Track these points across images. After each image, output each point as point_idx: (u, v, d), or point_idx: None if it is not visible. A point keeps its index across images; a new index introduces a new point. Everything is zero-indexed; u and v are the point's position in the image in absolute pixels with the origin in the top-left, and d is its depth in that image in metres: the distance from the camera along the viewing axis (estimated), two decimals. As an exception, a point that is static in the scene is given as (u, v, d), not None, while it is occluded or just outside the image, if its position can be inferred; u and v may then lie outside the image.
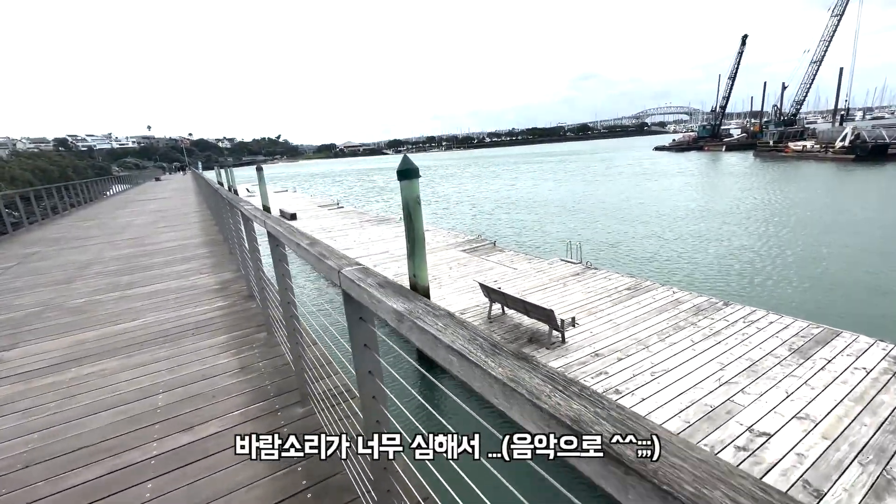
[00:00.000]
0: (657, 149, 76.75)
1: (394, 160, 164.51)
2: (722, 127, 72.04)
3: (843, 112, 58.52)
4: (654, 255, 14.09)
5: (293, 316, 2.41)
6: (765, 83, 58.00)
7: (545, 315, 6.81)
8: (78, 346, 3.56)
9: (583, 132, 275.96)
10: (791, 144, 43.07)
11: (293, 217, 23.03)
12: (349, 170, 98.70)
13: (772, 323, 7.30)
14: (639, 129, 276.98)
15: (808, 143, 41.02)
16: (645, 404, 5.38)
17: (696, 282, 11.27)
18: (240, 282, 5.09)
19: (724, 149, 61.56)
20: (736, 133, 74.48)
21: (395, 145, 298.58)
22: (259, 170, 22.46)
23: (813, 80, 55.45)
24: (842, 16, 50.92)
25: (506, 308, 8.26)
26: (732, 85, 63.99)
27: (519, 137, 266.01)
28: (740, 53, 61.47)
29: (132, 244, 8.28)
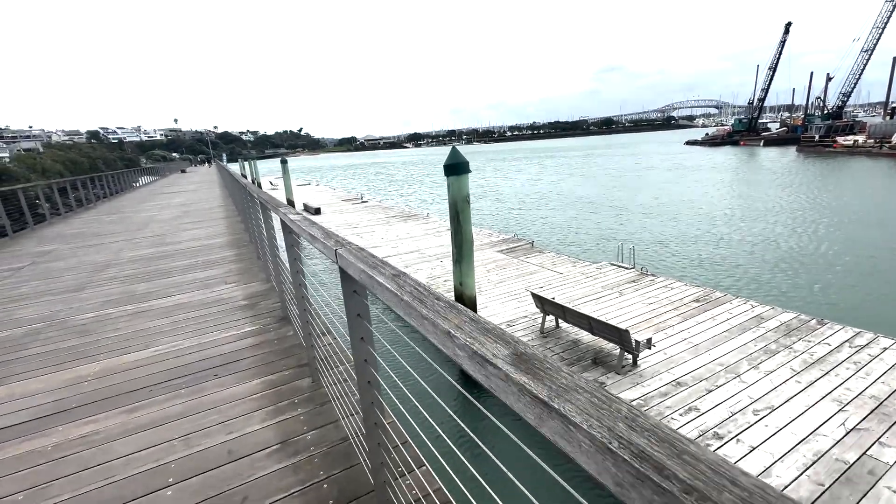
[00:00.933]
0: (689, 143, 73.73)
1: (414, 153, 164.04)
2: (759, 121, 68.48)
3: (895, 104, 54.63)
4: (712, 260, 12.84)
5: (365, 366, 1.54)
6: (811, 73, 54.66)
7: (617, 335, 5.83)
8: (73, 388, 2.80)
9: (606, 126, 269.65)
10: (840, 139, 40.33)
11: (318, 212, 22.45)
12: (369, 163, 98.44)
13: (886, 349, 6.15)
14: (665, 122, 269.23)
15: (860, 138, 38.29)
16: (757, 455, 4.38)
17: (771, 293, 10.04)
18: (271, 296, 4.30)
19: (761, 143, 58.55)
20: (774, 127, 70.86)
21: (414, 139, 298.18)
22: (284, 162, 21.93)
23: (863, 70, 51.96)
24: (898, 0, 47.34)
25: (560, 320, 7.32)
26: (773, 76, 60.64)
27: (541, 131, 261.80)
28: (783, 42, 58.08)
29: (153, 243, 7.64)
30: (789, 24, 57.03)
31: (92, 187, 18.47)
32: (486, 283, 10.03)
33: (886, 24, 49.56)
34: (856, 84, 53.78)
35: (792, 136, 57.29)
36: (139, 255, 6.68)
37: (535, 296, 7.28)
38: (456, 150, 6.40)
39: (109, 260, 6.52)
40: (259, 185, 39.21)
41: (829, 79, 58.42)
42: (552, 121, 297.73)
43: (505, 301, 8.97)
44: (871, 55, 51.39)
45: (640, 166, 44.14)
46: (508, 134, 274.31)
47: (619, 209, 21.54)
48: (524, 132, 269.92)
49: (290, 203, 22.75)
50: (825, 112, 57.61)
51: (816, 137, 44.54)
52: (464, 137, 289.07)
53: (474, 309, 7.09)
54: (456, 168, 6.32)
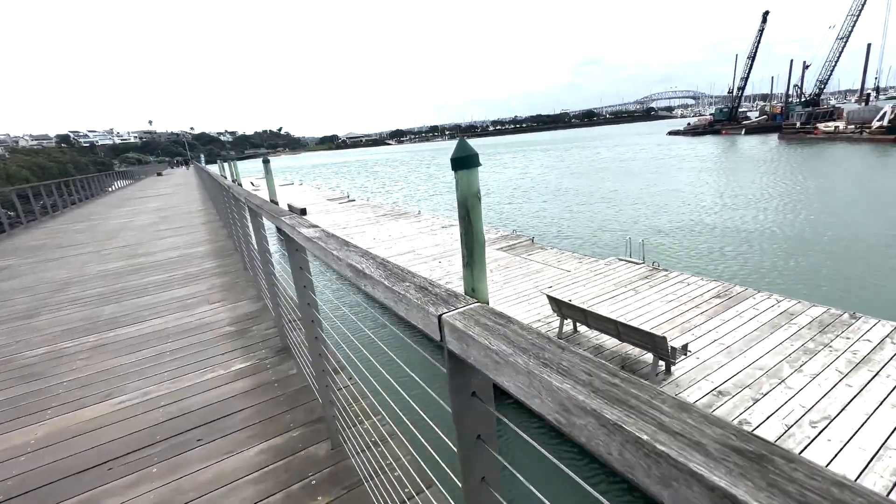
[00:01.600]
0: (671, 133, 74.34)
1: (396, 150, 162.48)
2: (739, 110, 69.34)
3: (870, 91, 55.88)
4: (718, 251, 12.47)
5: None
6: (791, 62, 55.38)
7: (650, 341, 5.29)
8: (2, 468, 2.07)
9: (588, 118, 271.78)
10: (821, 126, 40.88)
11: (303, 213, 21.51)
12: (353, 161, 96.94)
13: (932, 344, 5.75)
14: (645, 114, 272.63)
15: (840, 125, 38.85)
16: (829, 478, 3.87)
17: (791, 285, 9.65)
18: (264, 319, 3.61)
19: (743, 132, 59.28)
20: (753, 115, 71.89)
21: (397, 135, 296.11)
22: (266, 162, 20.89)
23: (839, 57, 52.89)
24: (872, -12, 48.15)
25: (578, 324, 6.76)
26: (752, 65, 61.36)
27: (523, 125, 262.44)
28: (761, 31, 58.73)
29: (125, 254, 6.81)
30: (766, 13, 57.66)
31: (59, 194, 17.27)
32: (492, 285, 9.42)
33: (860, 11, 50.47)
34: (832, 71, 54.77)
35: (772, 125, 58.09)
36: (107, 270, 5.87)
37: (551, 298, 6.70)
38: (464, 142, 5.74)
39: (72, 277, 5.70)
40: (240, 185, 37.93)
41: (805, 67, 59.45)
42: (534, 114, 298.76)
43: (513, 304, 8.39)
44: (846, 42, 52.31)
45: (626, 156, 44.10)
46: (491, 129, 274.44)
47: (610, 200, 21.17)
48: (506, 126, 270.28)
49: (274, 204, 21.78)
50: (802, 100, 58.63)
51: (798, 125, 45.14)
52: (446, 133, 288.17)
53: (487, 316, 6.48)
54: (465, 161, 5.66)
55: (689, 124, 76.32)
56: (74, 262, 6.61)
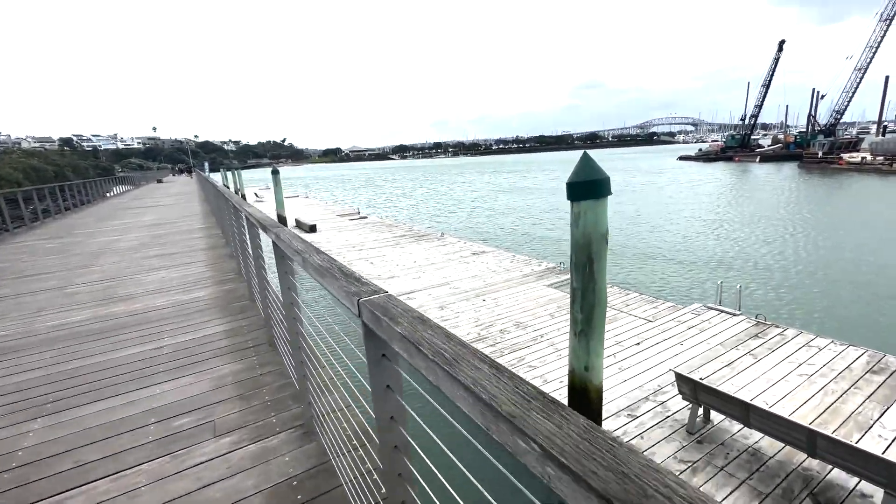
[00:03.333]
0: (682, 158, 73.49)
1: (400, 165, 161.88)
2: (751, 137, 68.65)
3: (888, 122, 55.19)
4: (828, 301, 10.55)
5: None
6: (814, 90, 54.57)
7: (885, 472, 3.46)
8: None
9: (591, 140, 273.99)
10: (846, 156, 39.68)
11: (313, 230, 19.80)
12: (358, 174, 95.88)
13: None
14: (647, 138, 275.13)
15: (867, 156, 37.65)
16: None
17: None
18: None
19: (757, 160, 58.24)
20: (765, 143, 71.23)
21: (400, 150, 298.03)
22: (275, 173, 19.30)
23: (857, 88, 52.28)
24: (892, 20, 47.83)
25: (712, 411, 4.95)
26: (766, 93, 60.89)
27: (527, 145, 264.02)
28: (776, 59, 58.39)
29: (95, 297, 4.99)
30: (783, 41, 57.35)
31: (54, 199, 15.53)
32: (561, 336, 7.58)
33: (879, 44, 50.05)
34: (849, 102, 54.14)
35: (786, 153, 57.19)
36: (70, 326, 4.05)
37: (682, 378, 4.87)
38: (589, 160, 4.01)
39: (7, 337, 3.86)
40: (244, 197, 36.29)
41: (819, 97, 58.90)
42: (536, 135, 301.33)
43: (606, 367, 6.53)
44: (864, 73, 51.79)
45: (653, 180, 42.62)
46: (494, 147, 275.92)
47: (651, 226, 19.50)
48: (510, 146, 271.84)
49: (282, 219, 20.04)
50: (816, 129, 57.90)
51: (819, 154, 43.97)
52: (450, 150, 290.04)
53: (600, 408, 4.65)
54: (591, 188, 3.92)
55: (700, 150, 75.55)
56: (24, 306, 4.76)
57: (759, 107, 63.14)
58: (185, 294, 4.77)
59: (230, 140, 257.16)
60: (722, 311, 8.23)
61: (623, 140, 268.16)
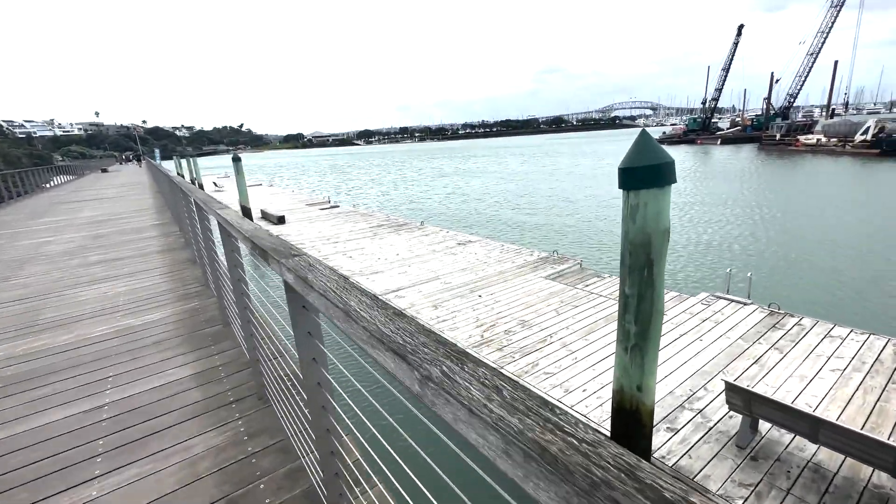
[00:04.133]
0: (646, 141, 74.90)
1: (366, 150, 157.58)
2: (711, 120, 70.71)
3: (836, 106, 58.01)
4: (839, 288, 10.42)
5: None
6: (772, 74, 56.31)
7: None
8: None
9: (556, 125, 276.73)
10: (801, 138, 41.32)
11: (281, 221, 18.40)
12: (322, 161, 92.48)
13: None
14: (610, 122, 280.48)
15: (821, 137, 39.30)
16: None
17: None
18: None
19: (718, 142, 60.12)
20: (724, 126, 73.64)
21: (365, 135, 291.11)
22: (237, 160, 17.69)
23: (809, 72, 54.49)
24: (842, 6, 49.80)
25: (762, 421, 4.44)
26: (726, 77, 62.58)
27: (493, 129, 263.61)
28: (735, 44, 59.93)
29: (15, 324, 3.86)
30: (741, 26, 58.84)
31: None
32: (572, 336, 6.95)
33: (830, 30, 52.11)
34: (802, 85, 56.44)
35: (746, 135, 59.24)
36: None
37: (734, 389, 4.30)
38: (648, 140, 3.27)
39: None
40: (201, 187, 33.80)
41: (774, 81, 61.13)
42: (501, 119, 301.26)
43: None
44: (815, 58, 53.97)
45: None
46: (462, 132, 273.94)
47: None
48: (476, 130, 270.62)
49: (246, 211, 18.50)
50: (772, 112, 60.25)
51: (777, 136, 45.64)
52: (416, 135, 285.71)
53: (650, 435, 4.00)
54: (654, 174, 3.18)
55: (664, 133, 77.29)
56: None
57: (720, 90, 64.91)
58: (136, 317, 3.72)
59: (182, 126, 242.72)
60: (733, 301, 7.85)
61: (587, 124, 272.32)
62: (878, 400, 5.01)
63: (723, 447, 4.42)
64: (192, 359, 2.90)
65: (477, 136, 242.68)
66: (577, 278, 9.76)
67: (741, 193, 22.27)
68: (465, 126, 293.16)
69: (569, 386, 5.58)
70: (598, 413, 5.02)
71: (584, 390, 5.49)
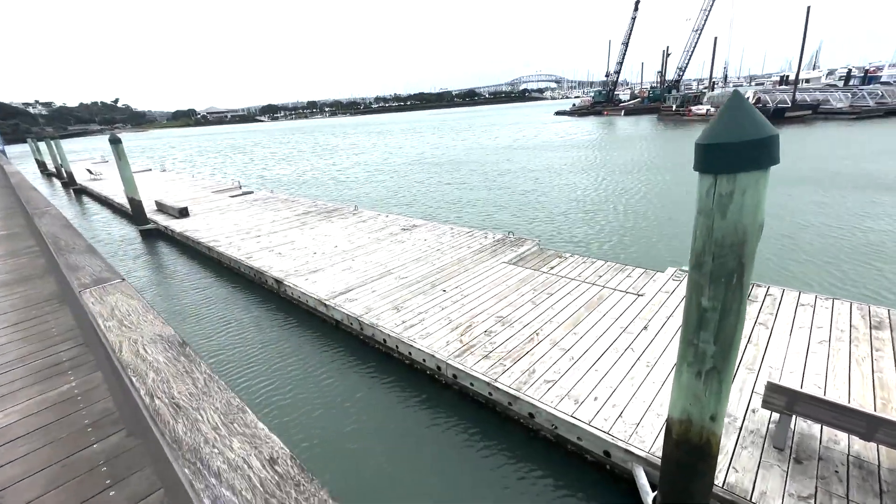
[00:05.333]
0: (558, 113, 78.06)
1: (272, 127, 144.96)
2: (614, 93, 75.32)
3: (716, 80, 64.68)
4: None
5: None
6: (665, 49, 60.86)
7: None
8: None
9: (469, 98, 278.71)
10: (693, 109, 45.44)
11: (183, 213, 15.57)
12: (221, 141, 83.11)
13: None
14: (520, 95, 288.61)
15: (710, 108, 43.51)
16: None
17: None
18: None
19: (622, 113, 64.30)
20: (625, 98, 79.04)
21: (270, 111, 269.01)
22: (116, 142, 14.45)
23: (695, 47, 59.83)
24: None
25: (808, 420, 4.12)
26: (626, 51, 66.51)
27: (408, 103, 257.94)
28: (633, 19, 63.65)
29: None
30: (638, 1, 62.44)
31: None
32: (560, 331, 6.29)
33: (711, 7, 57.35)
34: (689, 59, 61.91)
35: (645, 107, 64.03)
36: None
37: (776, 389, 3.86)
38: (745, 105, 2.46)
39: None
40: (71, 177, 27.96)
41: (667, 55, 66.40)
42: (416, 92, 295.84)
43: (627, 364, 5.40)
44: (700, 34, 59.30)
45: (557, 135, 43.65)
46: (375, 106, 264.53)
47: (568, 186, 19.40)
48: (390, 104, 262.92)
49: (135, 204, 15.34)
50: (664, 85, 65.70)
51: (673, 108, 49.79)
52: (326, 110, 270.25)
53: (715, 465, 3.38)
54: (756, 152, 2.39)
55: (574, 105, 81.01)
56: None
57: (621, 63, 69.19)
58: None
59: (37, 102, 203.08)
60: (700, 275, 7.76)
61: (498, 97, 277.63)
62: (872, 373, 4.99)
63: (762, 452, 4.01)
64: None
65: (391, 110, 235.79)
66: (539, 261, 9.18)
67: (649, 159, 23.70)
68: (378, 100, 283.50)
69: (577, 395, 4.89)
70: (621, 427, 4.39)
71: (595, 398, 4.83)
